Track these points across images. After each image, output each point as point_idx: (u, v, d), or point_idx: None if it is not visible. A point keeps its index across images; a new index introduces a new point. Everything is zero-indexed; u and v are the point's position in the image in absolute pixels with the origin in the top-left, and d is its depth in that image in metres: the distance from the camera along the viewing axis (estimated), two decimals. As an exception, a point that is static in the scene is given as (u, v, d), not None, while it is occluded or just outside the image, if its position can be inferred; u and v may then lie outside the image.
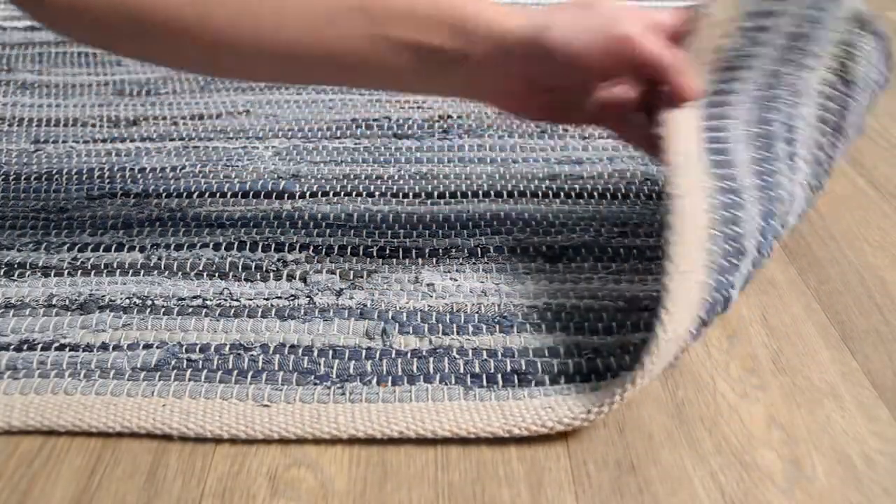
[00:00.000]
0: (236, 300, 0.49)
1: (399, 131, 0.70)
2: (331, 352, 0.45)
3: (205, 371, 0.44)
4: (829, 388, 0.44)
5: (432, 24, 0.41)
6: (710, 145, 0.46)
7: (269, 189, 0.61)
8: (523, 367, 0.44)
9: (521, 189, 0.61)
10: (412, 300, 0.49)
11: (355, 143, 0.68)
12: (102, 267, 0.52)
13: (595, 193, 0.61)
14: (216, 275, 0.52)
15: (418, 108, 0.74)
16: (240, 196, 0.60)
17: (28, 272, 0.52)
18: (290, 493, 0.38)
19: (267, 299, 0.49)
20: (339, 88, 0.78)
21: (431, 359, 0.45)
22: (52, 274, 0.52)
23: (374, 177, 0.63)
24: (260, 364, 0.44)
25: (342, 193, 0.61)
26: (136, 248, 0.54)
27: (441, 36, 0.42)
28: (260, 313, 0.48)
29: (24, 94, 0.77)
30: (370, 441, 0.40)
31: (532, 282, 0.51)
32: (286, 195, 0.60)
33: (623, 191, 0.61)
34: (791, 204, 0.49)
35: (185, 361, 0.44)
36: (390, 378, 0.43)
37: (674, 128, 0.42)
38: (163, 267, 0.52)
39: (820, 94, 0.53)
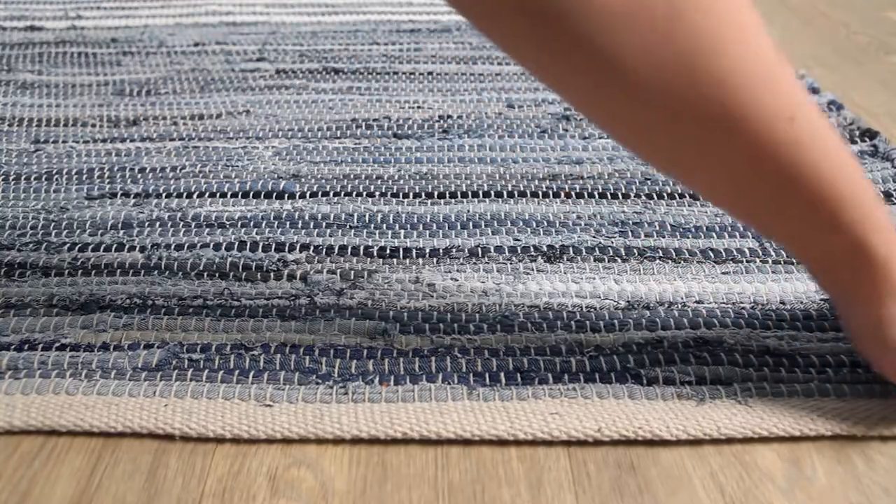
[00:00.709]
0: (237, 300, 0.49)
1: (399, 131, 0.70)
2: (332, 351, 0.45)
3: (206, 371, 0.44)
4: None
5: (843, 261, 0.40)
6: None
7: (269, 189, 0.61)
8: (526, 366, 0.44)
9: (521, 189, 0.61)
10: (413, 300, 0.49)
11: (355, 143, 0.68)
12: (103, 267, 0.52)
13: (595, 193, 0.61)
14: (216, 275, 0.52)
15: (418, 108, 0.74)
16: (240, 196, 0.60)
17: (28, 272, 0.52)
18: (290, 493, 0.38)
19: (268, 299, 0.49)
20: (338, 88, 0.78)
21: (433, 358, 0.45)
22: (53, 274, 0.51)
23: (374, 177, 0.63)
24: (261, 364, 0.44)
25: (342, 193, 0.61)
26: (137, 248, 0.54)
27: (846, 270, 0.40)
28: (261, 313, 0.48)
29: (24, 94, 0.77)
30: (370, 441, 0.40)
31: (533, 281, 0.51)
32: (286, 195, 0.60)
33: (623, 191, 0.61)
34: None
35: (186, 361, 0.44)
36: (392, 377, 0.43)
37: None
38: (163, 267, 0.52)
39: None
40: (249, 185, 0.61)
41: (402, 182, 0.62)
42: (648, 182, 0.62)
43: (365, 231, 0.56)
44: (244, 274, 0.52)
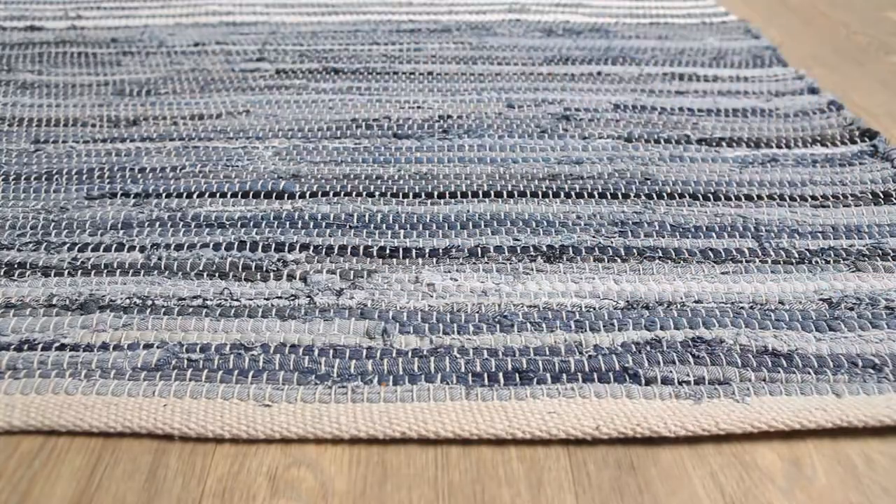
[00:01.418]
0: (236, 300, 0.49)
1: (399, 131, 0.70)
2: (331, 351, 0.45)
3: (205, 371, 0.44)
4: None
5: None
6: None
7: (269, 189, 0.61)
8: (524, 366, 0.44)
9: (521, 189, 0.61)
10: (412, 300, 0.49)
11: (355, 143, 0.68)
12: (102, 267, 0.52)
13: (595, 193, 0.61)
14: (216, 275, 0.52)
15: (418, 108, 0.74)
16: (240, 196, 0.60)
17: (28, 272, 0.52)
18: (290, 492, 0.38)
19: (267, 299, 0.49)
20: (338, 88, 0.78)
21: (432, 358, 0.45)
22: (53, 274, 0.52)
23: (374, 177, 0.63)
24: (261, 364, 0.44)
25: (342, 193, 0.61)
26: (136, 248, 0.54)
27: None
28: (260, 313, 0.48)
29: (24, 94, 0.77)
30: (370, 441, 0.40)
31: (532, 281, 0.51)
32: (286, 195, 0.60)
33: (623, 191, 0.61)
34: None
35: (185, 361, 0.44)
36: (391, 377, 0.43)
37: None
38: (163, 267, 0.52)
39: None
40: (249, 185, 0.61)
41: (402, 182, 0.62)
42: (648, 182, 0.62)
43: (365, 231, 0.56)
44: (244, 274, 0.52)
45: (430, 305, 0.49)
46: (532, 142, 0.68)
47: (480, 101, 0.76)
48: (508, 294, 0.50)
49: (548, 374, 0.43)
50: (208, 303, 0.49)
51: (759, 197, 0.61)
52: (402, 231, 0.56)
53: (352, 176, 0.63)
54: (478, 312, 0.48)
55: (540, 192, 0.61)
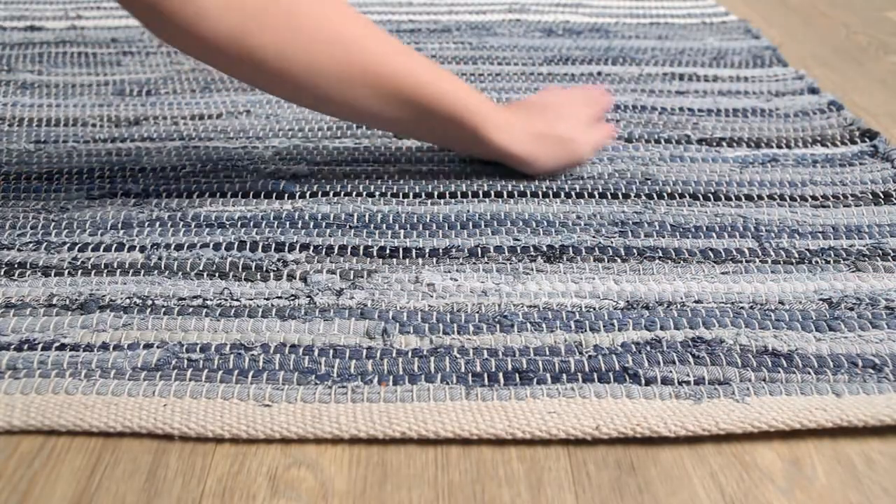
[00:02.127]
0: (236, 300, 0.49)
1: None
2: (331, 351, 0.45)
3: (205, 371, 0.44)
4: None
5: (451, 126, 0.58)
6: None
7: (269, 189, 0.61)
8: (524, 366, 0.44)
9: (521, 189, 0.61)
10: (412, 300, 0.49)
11: (355, 143, 0.68)
12: (102, 267, 0.52)
13: (595, 193, 0.61)
14: (216, 275, 0.52)
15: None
16: (240, 196, 0.60)
17: (28, 272, 0.52)
18: (290, 493, 0.38)
19: (267, 299, 0.50)
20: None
21: (432, 358, 0.45)
22: (53, 273, 0.52)
23: (374, 177, 0.63)
24: (261, 364, 0.44)
25: (342, 193, 0.61)
26: (136, 248, 0.54)
27: (458, 135, 0.59)
28: (260, 313, 0.48)
29: (24, 94, 0.77)
30: (370, 441, 0.40)
31: (532, 281, 0.51)
32: (286, 195, 0.60)
33: (623, 191, 0.61)
34: None
35: (185, 361, 0.44)
36: (391, 377, 0.43)
37: None
38: (163, 267, 0.52)
39: None
40: (249, 185, 0.61)
41: (402, 182, 0.62)
42: (648, 182, 0.62)
43: (365, 231, 0.56)
44: (244, 274, 0.52)
45: (430, 305, 0.49)
46: (532, 142, 0.68)
47: (480, 101, 0.76)
48: (508, 294, 0.50)
49: (548, 375, 0.43)
50: (208, 303, 0.49)
51: (759, 197, 0.61)
52: (402, 231, 0.56)
53: (352, 176, 0.63)
54: (478, 312, 0.48)
55: (540, 192, 0.61)
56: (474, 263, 0.53)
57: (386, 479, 0.39)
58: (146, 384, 0.43)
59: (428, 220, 0.57)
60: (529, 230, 0.56)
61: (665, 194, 0.61)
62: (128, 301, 0.49)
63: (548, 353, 0.45)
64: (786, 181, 0.63)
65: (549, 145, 0.61)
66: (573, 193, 0.61)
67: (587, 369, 0.44)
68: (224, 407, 0.41)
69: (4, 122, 0.71)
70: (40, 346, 0.45)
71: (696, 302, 0.50)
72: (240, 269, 0.52)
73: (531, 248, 0.54)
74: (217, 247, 0.54)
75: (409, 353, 0.45)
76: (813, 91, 0.79)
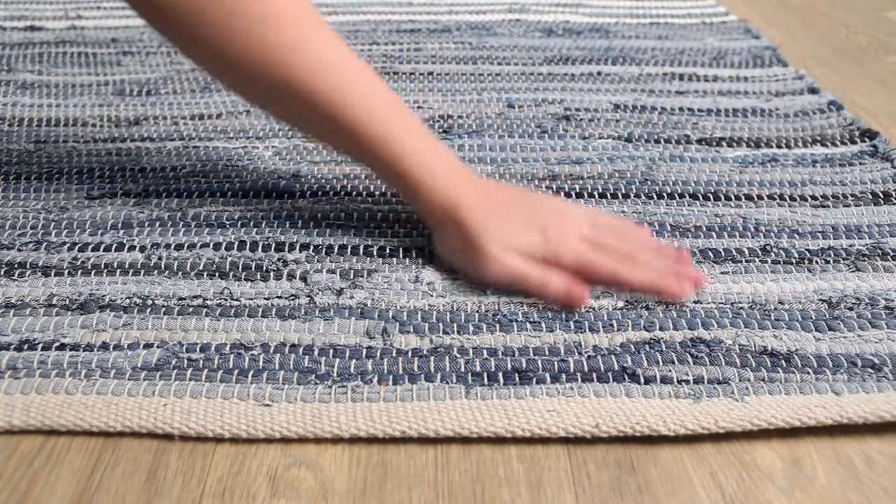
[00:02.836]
0: (236, 300, 0.49)
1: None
2: (331, 351, 0.45)
3: (205, 371, 0.44)
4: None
5: (395, 179, 0.51)
6: None
7: (269, 189, 0.61)
8: (524, 366, 0.44)
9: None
10: (412, 299, 0.49)
11: (355, 143, 0.68)
12: (102, 267, 0.52)
13: (595, 193, 0.61)
14: (216, 274, 0.52)
15: (418, 108, 0.74)
16: (240, 196, 0.60)
17: (28, 272, 0.52)
18: (290, 493, 0.38)
19: (267, 299, 0.50)
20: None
21: (432, 358, 0.45)
22: (53, 273, 0.52)
23: (374, 177, 0.63)
24: (261, 363, 0.44)
25: (342, 193, 0.61)
26: (136, 248, 0.54)
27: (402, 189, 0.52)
28: (260, 313, 0.48)
29: (24, 94, 0.77)
30: (370, 441, 0.41)
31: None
32: (286, 195, 0.60)
33: (623, 191, 0.61)
34: None
35: (185, 361, 0.44)
36: (391, 377, 0.43)
37: None
38: (163, 267, 0.52)
39: None
40: (249, 185, 0.61)
41: (401, 182, 0.62)
42: (648, 182, 0.62)
43: (365, 231, 0.56)
44: (244, 274, 0.52)
45: (430, 305, 0.49)
46: (532, 142, 0.68)
47: (480, 101, 0.76)
48: (508, 293, 0.50)
49: (547, 374, 0.43)
50: (208, 303, 0.49)
51: (759, 197, 0.61)
52: (402, 231, 0.56)
53: (352, 176, 0.63)
54: (478, 312, 0.48)
55: (540, 193, 0.61)
56: (474, 263, 0.53)
57: (386, 479, 0.39)
58: (146, 384, 0.43)
59: (428, 220, 0.57)
60: (529, 230, 0.56)
61: (665, 194, 0.61)
62: (128, 301, 0.49)
63: (547, 352, 0.45)
64: (786, 181, 0.63)
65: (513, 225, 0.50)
66: (573, 193, 0.61)
67: (586, 369, 0.44)
68: (224, 407, 0.41)
69: (4, 122, 0.71)
70: (40, 346, 0.45)
71: (696, 302, 0.50)
72: (240, 269, 0.52)
73: (531, 248, 0.54)
74: (217, 247, 0.54)
75: (409, 353, 0.45)
76: (813, 91, 0.79)
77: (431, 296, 0.50)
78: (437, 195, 0.50)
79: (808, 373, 0.44)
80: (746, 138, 0.69)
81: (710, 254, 0.54)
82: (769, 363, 0.45)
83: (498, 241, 0.49)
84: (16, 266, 0.52)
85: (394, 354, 0.45)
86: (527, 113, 0.74)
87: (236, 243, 0.54)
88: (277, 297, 0.50)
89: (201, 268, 0.52)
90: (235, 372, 0.44)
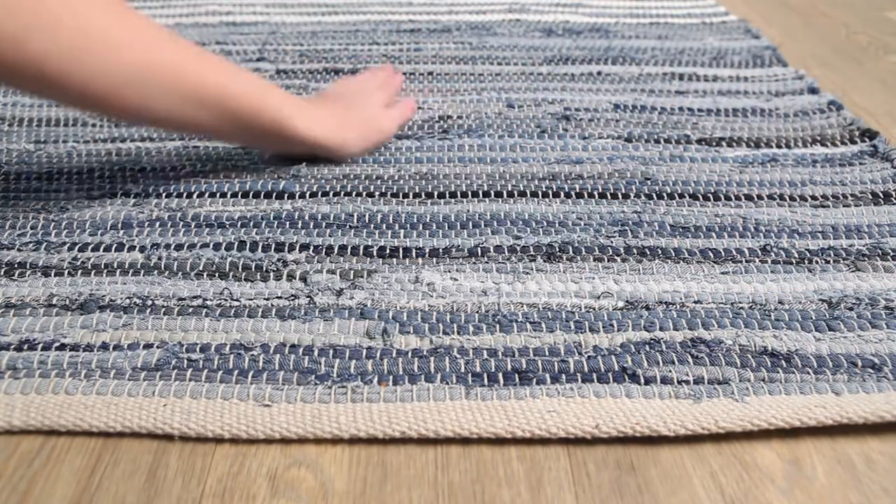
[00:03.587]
0: (236, 300, 0.49)
1: (399, 131, 0.70)
2: (331, 351, 0.45)
3: (205, 371, 0.44)
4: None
5: (256, 124, 0.58)
6: None
7: (269, 189, 0.61)
8: (524, 366, 0.44)
9: (521, 189, 0.61)
10: (412, 300, 0.49)
11: (355, 143, 0.68)
12: (102, 267, 0.52)
13: (595, 193, 0.61)
14: (216, 275, 0.52)
15: (418, 108, 0.74)
16: (240, 196, 0.60)
17: (28, 272, 0.52)
18: (290, 493, 0.38)
19: (267, 299, 0.50)
20: (338, 88, 0.78)
21: (432, 358, 0.45)
22: (53, 273, 0.52)
23: (374, 177, 0.63)
24: (260, 364, 0.44)
25: (342, 193, 0.61)
26: (136, 248, 0.54)
27: (264, 133, 0.59)
28: (260, 313, 0.48)
29: (24, 93, 0.77)
30: (370, 441, 0.41)
31: (532, 281, 0.51)
32: (286, 195, 0.60)
33: (623, 191, 0.61)
34: None
35: (185, 361, 0.44)
36: (391, 377, 0.43)
37: None
38: (163, 267, 0.52)
39: None
40: (249, 185, 0.61)
41: (402, 182, 0.62)
42: (648, 182, 0.62)
43: (365, 231, 0.56)
44: (244, 274, 0.52)
45: (430, 305, 0.49)
46: (532, 142, 0.68)
47: (480, 101, 0.76)
48: (508, 294, 0.50)
49: (547, 375, 0.43)
50: (208, 303, 0.49)
51: (759, 197, 0.61)
52: (402, 231, 0.56)
53: (352, 176, 0.63)
54: (478, 312, 0.49)
55: (540, 192, 0.61)
56: (474, 263, 0.53)
57: (386, 479, 0.39)
58: (146, 384, 0.43)
59: (428, 220, 0.57)
60: (529, 230, 0.56)
61: (665, 194, 0.61)
62: (128, 301, 0.49)
63: (547, 353, 0.45)
64: (786, 181, 0.63)
65: (355, 128, 0.64)
66: (573, 193, 0.61)
67: (586, 370, 0.44)
68: (224, 407, 0.41)
69: (4, 122, 0.71)
70: (40, 346, 0.45)
71: (696, 302, 0.50)
72: (240, 269, 0.52)
73: (531, 248, 0.54)
74: (217, 247, 0.54)
75: (409, 353, 0.45)
76: (813, 91, 0.79)
77: (431, 296, 0.50)
78: (325, 118, 0.62)
79: (808, 373, 0.44)
80: (746, 138, 0.69)
81: (710, 254, 0.54)
82: (769, 363, 0.45)
83: (374, 107, 0.68)
84: (16, 266, 0.52)
85: (394, 355, 0.45)
86: (526, 113, 0.74)
87: (236, 243, 0.54)
88: (277, 297, 0.50)
89: (201, 268, 0.52)
90: (235, 372, 0.44)
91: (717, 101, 0.76)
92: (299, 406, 0.42)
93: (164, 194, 0.60)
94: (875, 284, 0.51)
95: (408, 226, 0.57)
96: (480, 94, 0.77)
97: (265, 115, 0.57)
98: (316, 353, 0.45)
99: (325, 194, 0.60)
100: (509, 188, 0.61)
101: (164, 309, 0.48)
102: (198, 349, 0.45)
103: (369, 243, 0.55)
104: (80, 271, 0.52)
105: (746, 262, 0.53)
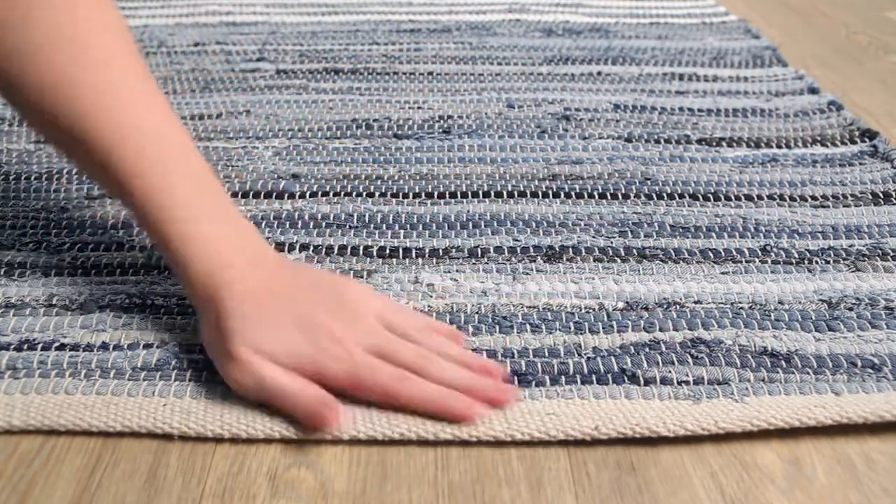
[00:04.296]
0: (236, 300, 0.49)
1: (399, 131, 0.70)
2: (331, 352, 0.45)
3: (205, 371, 0.44)
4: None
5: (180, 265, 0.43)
6: None
7: (269, 189, 0.61)
8: (523, 368, 0.44)
9: (521, 189, 0.61)
10: (412, 300, 0.49)
11: (355, 143, 0.68)
12: (102, 267, 0.52)
13: (595, 193, 0.61)
14: (216, 275, 0.52)
15: (418, 108, 0.74)
16: (240, 196, 0.60)
17: (28, 272, 0.52)
18: (290, 493, 0.38)
19: (267, 299, 0.49)
20: (338, 88, 0.78)
21: (432, 359, 0.45)
22: (53, 273, 0.52)
23: (374, 177, 0.63)
24: (260, 364, 0.44)
25: (342, 193, 0.61)
26: (136, 248, 0.54)
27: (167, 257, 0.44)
28: (260, 313, 0.48)
29: None
30: (370, 441, 0.40)
31: (532, 282, 0.51)
32: (286, 195, 0.60)
33: (623, 191, 0.61)
34: None
35: (185, 361, 0.44)
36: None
37: None
38: (163, 267, 0.52)
39: None
40: (249, 185, 0.61)
41: (402, 182, 0.62)
42: (648, 182, 0.62)
43: (365, 231, 0.56)
44: (244, 274, 0.52)
45: (429, 306, 0.49)
46: (532, 142, 0.68)
47: (480, 101, 0.76)
48: (508, 294, 0.50)
49: (546, 377, 0.43)
50: (208, 303, 0.49)
51: (759, 197, 0.61)
52: (401, 231, 0.56)
53: (352, 176, 0.63)
54: (477, 313, 0.48)
55: (540, 192, 0.61)
56: (474, 264, 0.53)
57: (386, 480, 0.39)
58: (146, 384, 0.43)
59: (428, 220, 0.57)
60: (529, 230, 0.56)
61: (665, 194, 0.61)
62: (128, 301, 0.49)
63: (547, 354, 0.45)
64: (786, 181, 0.63)
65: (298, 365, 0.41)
66: (573, 193, 0.61)
67: (586, 371, 0.44)
68: (224, 407, 0.41)
69: (4, 122, 0.71)
70: (40, 346, 0.45)
71: (696, 302, 0.50)
72: (240, 269, 0.52)
73: (531, 249, 0.54)
74: (217, 247, 0.54)
75: (409, 354, 0.45)
76: (813, 91, 0.79)
77: (431, 297, 0.50)
78: (200, 277, 0.42)
79: (808, 373, 0.44)
80: (746, 138, 0.69)
81: (710, 254, 0.54)
82: (769, 363, 0.45)
83: (251, 341, 0.40)
84: (16, 266, 0.52)
85: (394, 355, 0.45)
86: (526, 113, 0.74)
87: (236, 243, 0.54)
88: (277, 297, 0.50)
89: (201, 268, 0.52)
90: (235, 372, 0.44)
91: (717, 102, 0.76)
92: (299, 406, 0.41)
93: (164, 194, 0.60)
94: (875, 284, 0.51)
95: (408, 226, 0.57)
96: (480, 95, 0.77)
97: (190, 259, 0.42)
98: (316, 353, 0.45)
99: (325, 194, 0.60)
100: (509, 189, 0.61)
101: (164, 309, 0.48)
102: (197, 349, 0.45)
103: (369, 243, 0.55)
104: (80, 271, 0.52)
105: (746, 262, 0.53)
